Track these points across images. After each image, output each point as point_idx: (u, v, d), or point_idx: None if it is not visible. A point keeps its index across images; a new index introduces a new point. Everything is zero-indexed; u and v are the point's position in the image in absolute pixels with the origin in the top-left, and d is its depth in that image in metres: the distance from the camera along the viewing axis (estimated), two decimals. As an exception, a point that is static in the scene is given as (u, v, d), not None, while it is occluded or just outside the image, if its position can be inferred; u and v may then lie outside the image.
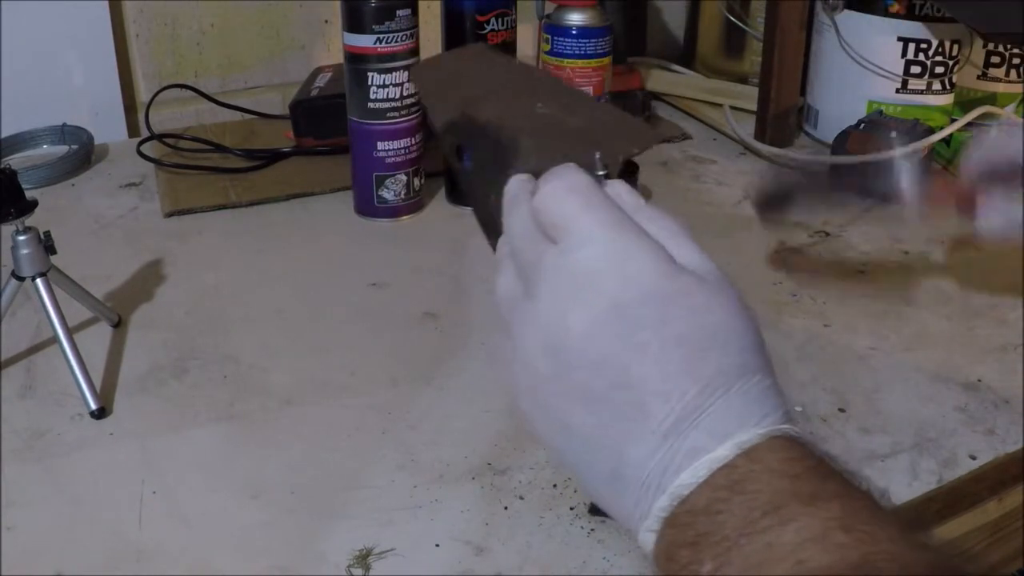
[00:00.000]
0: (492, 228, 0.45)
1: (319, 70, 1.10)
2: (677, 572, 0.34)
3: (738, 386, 0.35)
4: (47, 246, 0.64)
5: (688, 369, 0.35)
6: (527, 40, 1.17)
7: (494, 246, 0.45)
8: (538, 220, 0.38)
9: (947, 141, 0.98)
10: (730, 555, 0.32)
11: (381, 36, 0.82)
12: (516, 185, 0.41)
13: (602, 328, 0.35)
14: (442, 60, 0.58)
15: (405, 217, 0.90)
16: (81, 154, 1.01)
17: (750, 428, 0.34)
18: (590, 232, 0.36)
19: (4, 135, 1.02)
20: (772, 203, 0.43)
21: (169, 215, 0.91)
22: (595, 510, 0.53)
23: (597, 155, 0.42)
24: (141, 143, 1.02)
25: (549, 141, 0.44)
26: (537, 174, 0.42)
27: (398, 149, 0.87)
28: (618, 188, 0.40)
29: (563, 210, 0.37)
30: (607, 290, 0.35)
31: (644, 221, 0.38)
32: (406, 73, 0.84)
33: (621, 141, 0.47)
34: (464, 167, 0.48)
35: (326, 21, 1.19)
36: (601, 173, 0.42)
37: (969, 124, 0.96)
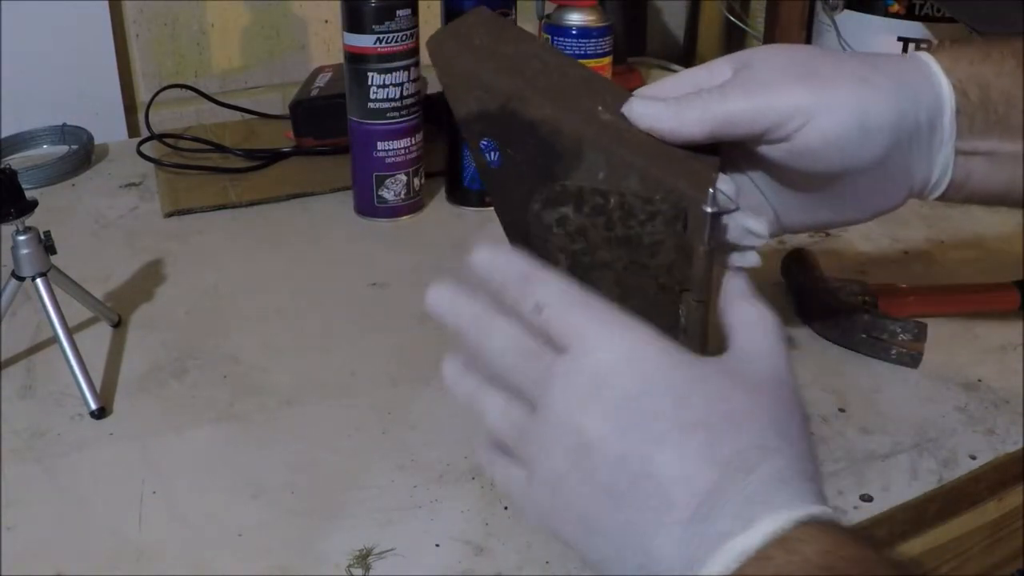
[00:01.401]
0: (520, 231, 0.43)
1: (319, 70, 1.10)
2: None
3: (762, 468, 0.35)
4: (47, 246, 0.64)
5: (706, 453, 0.35)
6: (527, 40, 1.17)
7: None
8: (542, 331, 0.39)
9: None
10: None
11: (381, 36, 0.82)
12: (477, 307, 0.41)
13: (620, 423, 0.36)
14: (461, 30, 0.49)
15: (405, 217, 0.90)
16: (81, 154, 1.01)
17: (779, 511, 0.34)
18: (601, 335, 0.37)
19: (4, 135, 1.02)
20: None
21: (169, 215, 0.91)
22: None
23: (712, 191, 0.40)
24: (141, 143, 1.02)
25: (620, 156, 0.41)
26: (601, 192, 0.39)
27: (398, 149, 0.87)
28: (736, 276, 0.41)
29: (571, 319, 0.38)
30: (622, 386, 0.36)
31: (730, 299, 0.39)
32: (406, 73, 0.85)
33: (699, 165, 0.42)
34: (491, 163, 0.45)
35: (326, 21, 1.19)
36: (710, 211, 0.39)
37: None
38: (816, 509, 0.34)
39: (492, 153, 0.45)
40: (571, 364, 0.37)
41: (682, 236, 0.41)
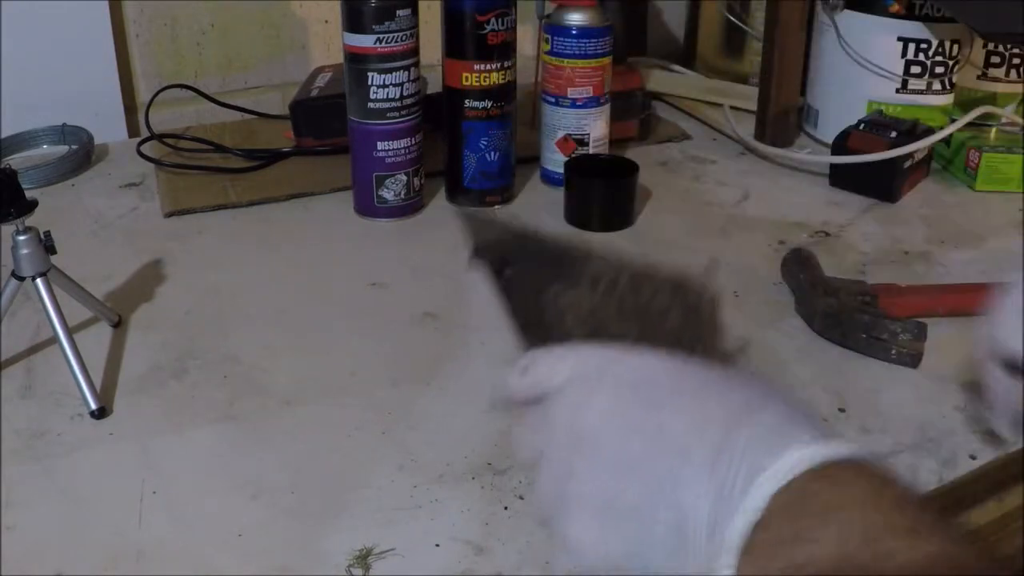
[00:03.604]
0: (534, 320, 0.46)
1: (319, 70, 1.10)
2: None
3: (768, 409, 0.36)
4: (47, 246, 0.64)
5: (714, 404, 0.36)
6: (527, 40, 1.17)
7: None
8: (535, 390, 0.40)
9: (947, 141, 0.98)
10: None
11: (381, 36, 0.82)
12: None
13: (626, 401, 0.38)
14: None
15: (405, 217, 0.90)
16: (81, 154, 1.01)
17: (803, 443, 0.34)
18: (580, 353, 0.40)
19: (4, 135, 1.03)
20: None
21: (169, 215, 0.91)
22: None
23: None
24: (141, 143, 1.02)
25: (618, 258, 0.45)
26: (612, 272, 0.44)
27: (398, 149, 0.87)
28: None
29: (552, 357, 0.40)
30: (620, 375, 0.39)
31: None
32: (406, 73, 0.85)
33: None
34: (506, 276, 0.48)
35: (326, 21, 1.19)
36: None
37: (969, 124, 0.97)
38: (844, 448, 0.34)
39: (506, 269, 0.47)
40: (568, 373, 0.39)
41: (686, 299, 0.45)
